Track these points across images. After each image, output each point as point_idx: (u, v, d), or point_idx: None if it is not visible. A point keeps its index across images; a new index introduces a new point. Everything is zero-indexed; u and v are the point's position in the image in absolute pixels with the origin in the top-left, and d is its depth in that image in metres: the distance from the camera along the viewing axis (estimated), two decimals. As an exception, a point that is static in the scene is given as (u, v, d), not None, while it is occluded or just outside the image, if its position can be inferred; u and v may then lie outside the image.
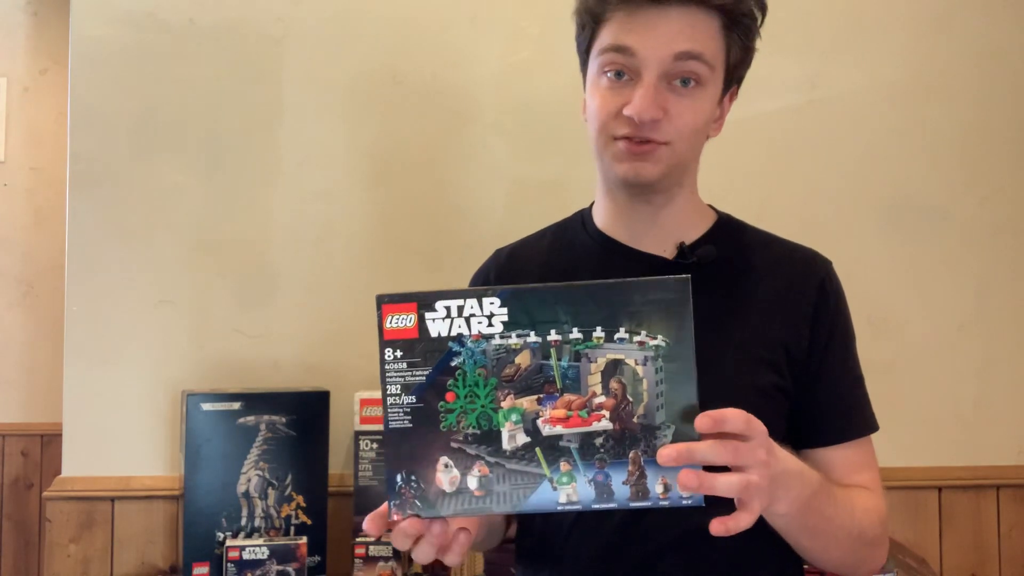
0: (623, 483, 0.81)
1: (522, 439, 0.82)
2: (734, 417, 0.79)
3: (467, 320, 0.83)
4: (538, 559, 1.07)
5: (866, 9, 2.01)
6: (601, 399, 0.81)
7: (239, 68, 1.87)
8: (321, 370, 1.85)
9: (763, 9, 1.04)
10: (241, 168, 1.87)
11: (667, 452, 0.78)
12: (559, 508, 0.82)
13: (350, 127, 1.90)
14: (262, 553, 1.66)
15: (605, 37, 1.01)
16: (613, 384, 0.81)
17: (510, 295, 0.82)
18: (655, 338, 0.81)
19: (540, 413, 0.82)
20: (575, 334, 0.82)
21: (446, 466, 0.82)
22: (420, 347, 0.83)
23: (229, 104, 1.87)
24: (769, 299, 1.06)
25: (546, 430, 0.82)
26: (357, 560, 1.68)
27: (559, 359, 0.82)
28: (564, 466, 0.81)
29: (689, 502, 0.80)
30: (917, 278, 2.01)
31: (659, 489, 0.80)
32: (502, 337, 0.82)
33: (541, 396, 0.82)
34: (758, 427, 0.81)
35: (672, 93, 0.99)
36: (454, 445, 0.82)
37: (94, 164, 1.83)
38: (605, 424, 0.81)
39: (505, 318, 0.82)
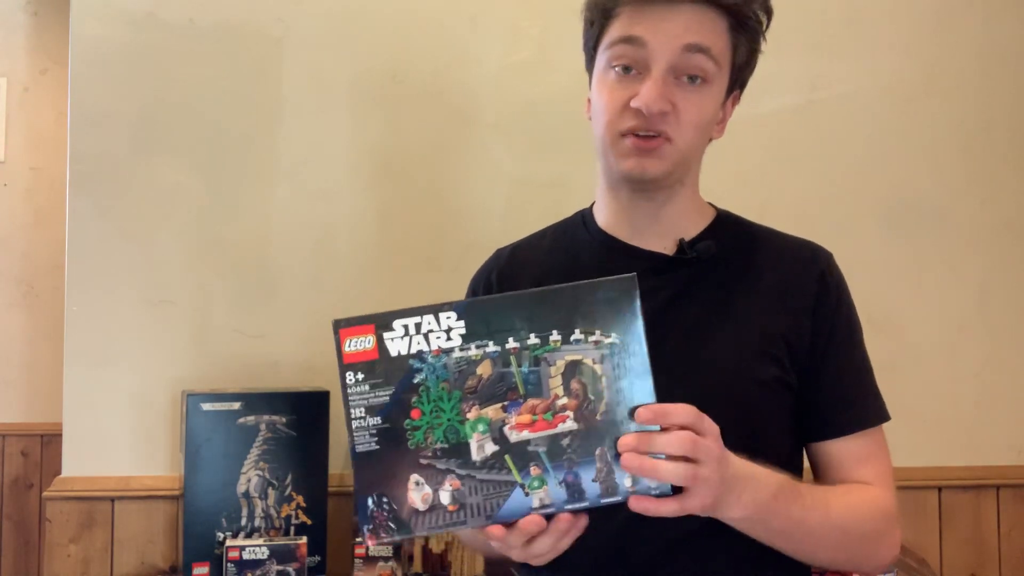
0: (592, 480, 0.82)
1: (490, 448, 0.83)
2: (681, 412, 0.82)
3: (426, 336, 0.83)
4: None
5: (866, 9, 2.01)
6: (564, 400, 0.83)
7: (239, 68, 1.87)
8: (321, 370, 1.84)
9: (769, 13, 1.04)
10: (241, 168, 1.87)
11: (627, 440, 0.81)
12: (532, 513, 0.83)
13: (350, 127, 1.90)
14: (262, 553, 1.66)
15: (614, 31, 1.02)
16: (574, 385, 0.83)
17: (465, 308, 0.84)
18: (609, 336, 0.83)
19: (506, 421, 0.83)
20: (532, 339, 0.83)
21: (417, 484, 0.83)
22: (381, 368, 0.84)
23: (229, 104, 1.87)
24: (770, 292, 1.06)
25: (513, 436, 0.83)
26: (357, 560, 1.68)
27: (519, 365, 0.83)
28: (534, 470, 0.82)
29: (657, 491, 0.82)
30: (917, 278, 2.01)
31: (628, 483, 0.82)
32: (462, 350, 0.83)
33: (505, 404, 0.83)
34: (711, 425, 0.83)
35: (679, 88, 1.00)
36: (423, 461, 0.83)
37: (94, 164, 1.83)
38: (570, 425, 0.83)
39: (463, 331, 0.83)
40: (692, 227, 1.10)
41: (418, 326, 0.84)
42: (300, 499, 1.78)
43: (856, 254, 1.94)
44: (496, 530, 0.82)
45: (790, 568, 1.05)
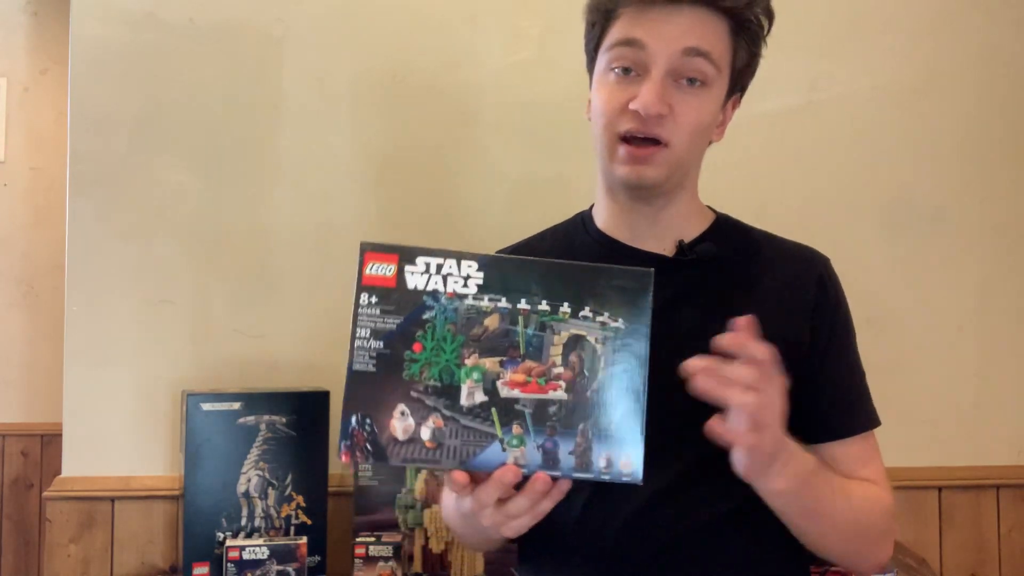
0: (569, 453, 0.85)
1: (480, 397, 0.85)
2: (759, 349, 0.83)
3: (444, 278, 0.87)
4: (541, 558, 1.07)
5: (866, 9, 2.01)
6: (560, 370, 0.86)
7: (239, 68, 1.87)
8: (321, 370, 1.84)
9: (770, 17, 1.04)
10: (241, 168, 1.87)
11: (695, 363, 0.83)
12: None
13: (350, 127, 1.90)
14: (262, 553, 1.66)
15: (615, 33, 1.02)
16: (572, 358, 0.86)
17: (488, 261, 0.87)
18: (616, 321, 0.86)
19: (500, 375, 0.85)
20: (543, 306, 0.86)
21: (402, 414, 0.85)
22: (396, 296, 0.86)
23: (229, 104, 1.87)
24: (768, 295, 1.06)
25: (504, 392, 0.85)
26: (357, 560, 1.68)
27: (526, 327, 0.86)
28: (516, 429, 0.85)
29: (628, 479, 0.84)
30: (917, 278, 2.01)
31: (602, 463, 0.85)
32: (475, 299, 0.86)
33: (504, 359, 0.86)
34: (780, 379, 0.85)
35: (678, 91, 1.00)
36: (414, 395, 0.85)
37: (94, 164, 1.83)
38: (560, 394, 0.85)
39: (480, 282, 0.87)
40: (691, 230, 1.10)
41: (439, 267, 0.87)
42: (300, 499, 1.78)
43: (856, 254, 1.96)
44: (460, 476, 0.83)
45: (789, 566, 1.05)
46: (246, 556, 1.65)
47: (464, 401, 0.85)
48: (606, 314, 0.86)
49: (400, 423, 0.85)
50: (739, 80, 1.06)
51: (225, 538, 1.73)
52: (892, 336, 1.96)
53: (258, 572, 1.66)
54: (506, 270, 0.87)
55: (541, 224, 1.21)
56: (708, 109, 1.02)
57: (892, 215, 2.00)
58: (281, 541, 1.69)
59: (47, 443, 2.91)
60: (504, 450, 0.84)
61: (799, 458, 0.91)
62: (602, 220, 1.12)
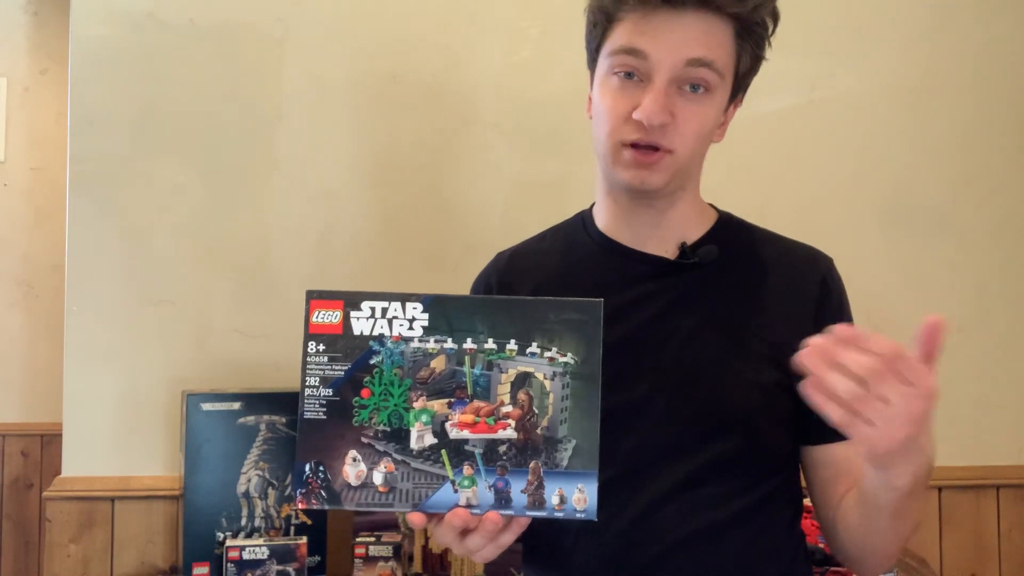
0: (521, 491, 0.85)
1: (429, 440, 0.86)
2: (882, 343, 0.78)
3: (390, 322, 0.88)
4: (546, 562, 1.07)
5: (866, 10, 2.01)
6: (508, 408, 0.86)
7: (239, 68, 1.87)
8: (321, 370, 1.84)
9: (776, 19, 1.03)
10: (241, 168, 1.87)
11: (816, 340, 0.78)
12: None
13: (350, 127, 1.90)
14: (262, 553, 1.66)
15: (618, 38, 1.00)
16: (521, 395, 0.86)
17: (432, 302, 0.88)
18: (565, 355, 0.86)
19: (449, 416, 0.86)
20: (489, 344, 0.86)
21: (354, 460, 0.86)
22: (342, 343, 0.88)
23: (229, 104, 1.87)
24: (772, 296, 1.06)
25: (453, 433, 0.86)
26: (357, 560, 1.68)
27: (472, 367, 0.86)
28: (467, 470, 0.85)
29: (583, 516, 0.84)
30: (917, 278, 2.01)
31: (555, 501, 0.85)
32: (421, 341, 0.87)
33: (452, 400, 0.86)
34: (924, 378, 0.80)
35: (681, 98, 0.99)
36: (364, 440, 0.86)
37: (94, 164, 1.83)
38: (510, 433, 0.85)
39: (425, 323, 0.87)
40: (694, 230, 1.09)
41: (384, 311, 0.88)
42: (300, 499, 1.78)
43: (856, 254, 1.95)
44: (416, 518, 0.85)
45: (791, 567, 1.05)
46: (246, 556, 1.65)
47: (414, 444, 0.85)
48: (554, 349, 0.86)
49: (352, 469, 0.86)
50: (742, 83, 1.06)
51: (225, 538, 1.73)
52: (892, 336, 1.95)
53: (258, 572, 1.66)
54: (450, 310, 0.87)
55: (541, 225, 1.21)
56: (711, 115, 1.01)
57: (892, 215, 2.00)
58: (281, 541, 1.69)
59: (47, 443, 2.91)
60: (456, 491, 0.85)
61: (928, 460, 0.87)
62: (603, 221, 1.11)
